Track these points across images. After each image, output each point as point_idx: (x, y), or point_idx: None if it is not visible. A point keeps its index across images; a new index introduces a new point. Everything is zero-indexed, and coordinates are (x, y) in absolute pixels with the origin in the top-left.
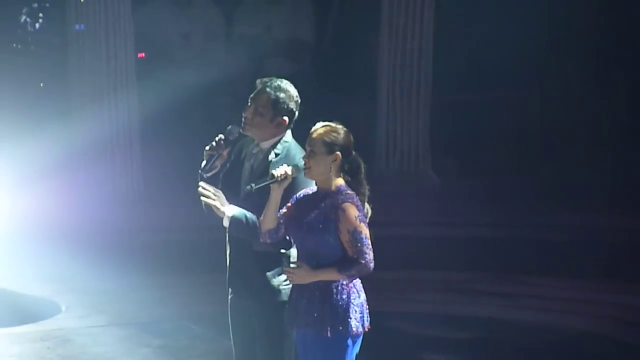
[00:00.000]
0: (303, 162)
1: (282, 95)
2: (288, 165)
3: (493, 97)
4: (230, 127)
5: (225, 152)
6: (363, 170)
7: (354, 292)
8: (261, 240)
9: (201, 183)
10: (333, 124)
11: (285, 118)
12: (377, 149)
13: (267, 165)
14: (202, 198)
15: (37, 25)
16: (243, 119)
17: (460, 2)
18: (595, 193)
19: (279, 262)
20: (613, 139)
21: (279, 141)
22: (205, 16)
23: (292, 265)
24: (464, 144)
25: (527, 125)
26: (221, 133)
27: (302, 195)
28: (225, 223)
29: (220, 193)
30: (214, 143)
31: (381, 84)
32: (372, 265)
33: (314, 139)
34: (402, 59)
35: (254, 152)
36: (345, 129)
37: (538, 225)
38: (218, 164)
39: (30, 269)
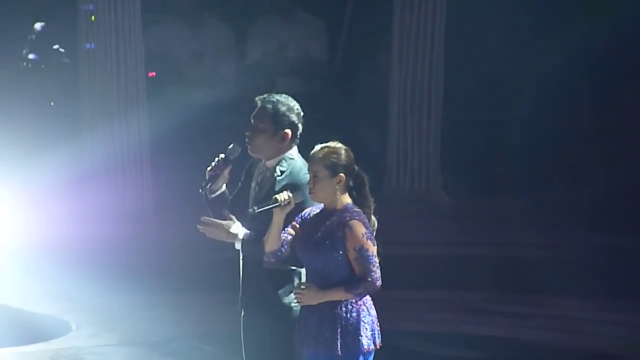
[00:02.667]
0: (308, 188)
1: (282, 108)
2: (290, 190)
3: (504, 116)
4: (231, 146)
5: (226, 172)
6: (367, 183)
7: (363, 310)
8: (265, 259)
9: (199, 224)
10: (332, 144)
11: (288, 131)
12: (388, 168)
13: (273, 183)
14: (207, 234)
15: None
16: (246, 139)
17: (472, 21)
18: (607, 212)
19: (291, 280)
20: (624, 157)
21: (284, 158)
22: (217, 35)
23: (301, 286)
24: (475, 163)
25: (538, 144)
26: (223, 152)
27: (308, 214)
28: (237, 246)
29: (236, 223)
30: (214, 163)
31: (392, 103)
32: (379, 283)
33: (316, 163)
34: (413, 78)
35: (260, 171)
36: (344, 147)
37: (551, 244)
38: (221, 184)
39: (40, 287)
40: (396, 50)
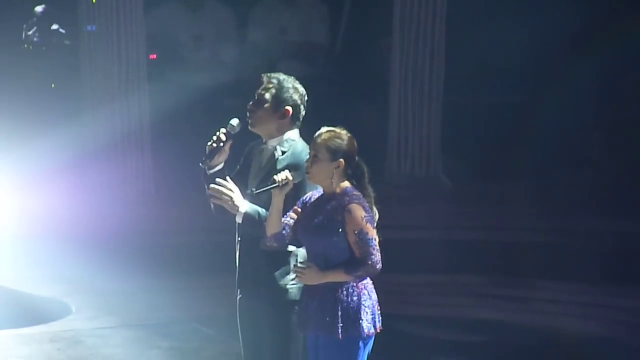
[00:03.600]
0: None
1: (286, 84)
2: (290, 170)
3: (505, 101)
4: (232, 120)
5: (226, 147)
6: (367, 175)
7: (364, 294)
8: (267, 243)
9: (213, 186)
10: (337, 130)
11: (289, 108)
12: (389, 152)
13: (273, 163)
14: (213, 200)
15: None
16: (247, 112)
17: (472, 6)
18: (607, 197)
19: (287, 261)
20: (626, 143)
21: (285, 140)
22: (218, 18)
23: (301, 265)
24: (475, 147)
25: (539, 129)
26: (224, 127)
27: (308, 199)
28: (239, 219)
29: (235, 189)
30: (214, 137)
31: (393, 87)
32: (379, 266)
33: (318, 144)
34: (414, 62)
35: (261, 152)
36: (349, 134)
37: (550, 229)
38: (221, 159)
39: (40, 269)
40: (397, 33)
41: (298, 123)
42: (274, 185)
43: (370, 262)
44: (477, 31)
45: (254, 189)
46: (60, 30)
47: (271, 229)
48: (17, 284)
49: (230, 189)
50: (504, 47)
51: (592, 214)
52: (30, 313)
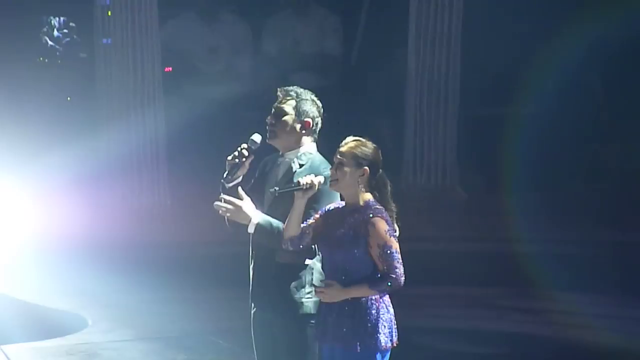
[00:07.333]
0: (330, 174)
1: (304, 97)
2: (315, 176)
3: (521, 112)
4: (253, 136)
5: (247, 162)
6: (389, 188)
7: (382, 307)
8: (283, 246)
9: (216, 203)
10: (363, 139)
11: (309, 120)
12: (405, 164)
13: (291, 176)
14: (221, 213)
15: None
16: (267, 126)
17: (487, 17)
18: (622, 209)
19: (302, 275)
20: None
21: (303, 153)
22: (233, 30)
23: (322, 284)
24: (491, 159)
25: (554, 141)
26: (244, 143)
27: (330, 209)
28: (251, 229)
29: (246, 199)
30: (236, 152)
31: (408, 99)
32: (402, 279)
33: (344, 151)
34: (430, 74)
35: (278, 163)
36: (375, 145)
37: (564, 240)
38: (240, 173)
39: (56, 282)
40: (413, 45)
41: (315, 136)
42: (297, 187)
43: (394, 276)
44: (494, 42)
45: (277, 188)
46: (70, 24)
47: (289, 232)
48: (33, 297)
49: (241, 198)
50: (520, 58)
51: (608, 225)
52: (47, 326)
